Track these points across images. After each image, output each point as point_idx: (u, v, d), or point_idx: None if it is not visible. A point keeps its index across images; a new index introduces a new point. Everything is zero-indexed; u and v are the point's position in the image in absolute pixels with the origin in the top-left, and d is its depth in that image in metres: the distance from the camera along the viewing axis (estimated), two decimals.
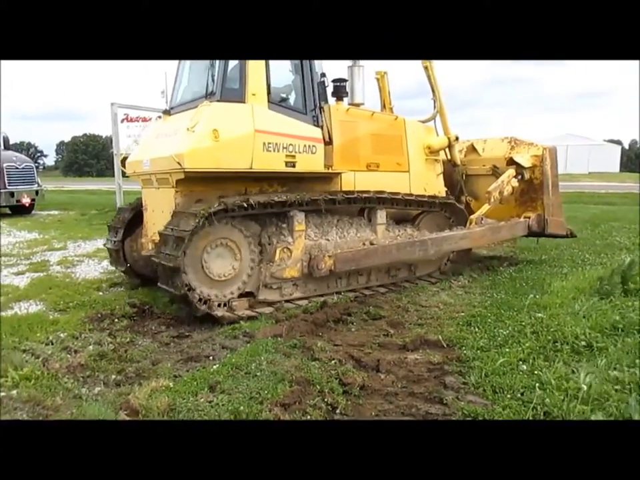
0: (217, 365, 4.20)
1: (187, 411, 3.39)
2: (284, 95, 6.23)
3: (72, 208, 18.82)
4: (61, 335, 4.99)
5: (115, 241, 6.84)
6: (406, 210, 7.25)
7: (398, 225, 7.28)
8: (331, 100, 6.95)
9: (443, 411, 3.46)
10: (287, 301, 5.91)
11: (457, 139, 7.88)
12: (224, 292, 5.58)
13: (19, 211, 16.57)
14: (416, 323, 5.33)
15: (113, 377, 4.15)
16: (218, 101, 5.62)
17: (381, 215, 6.80)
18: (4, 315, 5.66)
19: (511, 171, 7.80)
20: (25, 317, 5.50)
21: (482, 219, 7.47)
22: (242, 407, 3.39)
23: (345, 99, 7.13)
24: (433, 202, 7.35)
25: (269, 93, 5.86)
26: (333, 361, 4.17)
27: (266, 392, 3.61)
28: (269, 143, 5.78)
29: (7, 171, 15.73)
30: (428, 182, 7.68)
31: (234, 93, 5.73)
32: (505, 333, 4.72)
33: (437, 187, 7.78)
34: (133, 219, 6.85)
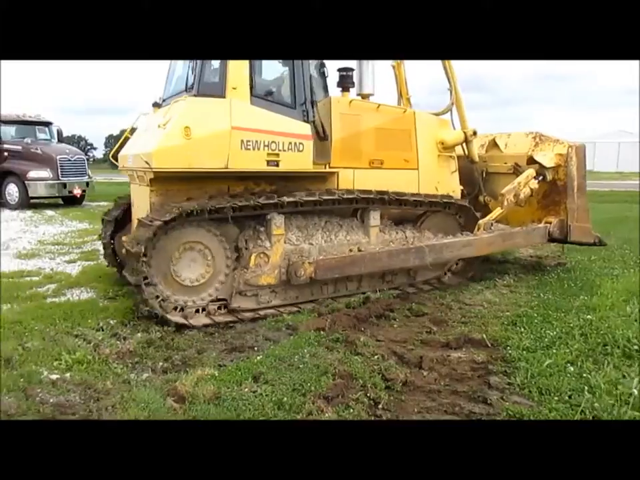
0: (261, 356, 4.26)
1: (231, 400, 3.47)
2: (271, 89, 5.73)
3: None
4: (111, 321, 5.15)
5: (104, 236, 6.73)
6: (407, 210, 6.63)
7: (397, 227, 6.69)
8: (336, 91, 6.61)
9: (487, 410, 3.42)
10: (264, 309, 5.54)
11: (474, 133, 7.13)
12: (192, 297, 5.32)
13: (71, 201, 17.16)
14: (459, 321, 5.27)
15: (160, 364, 4.27)
16: (195, 95, 5.31)
17: (374, 216, 6.22)
18: (57, 300, 5.90)
19: (530, 171, 7.05)
20: (77, 304, 5.72)
21: (492, 224, 6.73)
22: (285, 398, 3.44)
23: (353, 90, 6.72)
24: (433, 202, 6.64)
25: (252, 86, 5.44)
26: (375, 356, 4.17)
27: (309, 384, 3.65)
28: (248, 141, 5.36)
29: (60, 163, 16.29)
30: (440, 180, 7.02)
31: (213, 87, 5.36)
32: (552, 334, 4.62)
33: (450, 186, 7.11)
34: (125, 213, 6.60)
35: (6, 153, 15.86)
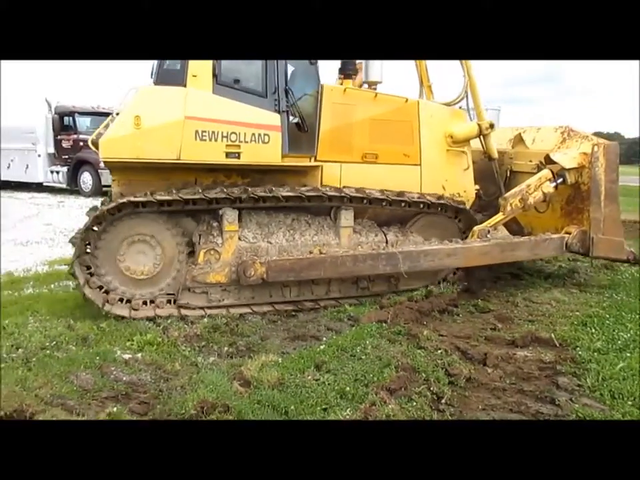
0: (323, 346, 4.31)
1: (294, 387, 3.53)
2: (239, 77, 5.35)
3: None
4: None
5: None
6: (396, 211, 5.95)
7: (379, 228, 5.98)
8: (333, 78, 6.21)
9: (555, 411, 3.33)
10: (215, 307, 5.27)
11: (491, 126, 6.26)
12: (141, 291, 5.18)
13: None
14: (526, 319, 5.12)
15: (226, 348, 4.41)
16: (155, 83, 5.18)
17: (346, 216, 5.63)
18: None
19: (546, 172, 6.06)
20: None
21: (488, 231, 5.82)
22: (348, 388, 3.47)
23: (358, 77, 6.32)
24: (419, 202, 5.86)
25: (217, 74, 5.18)
26: (438, 351, 4.12)
27: (371, 375, 3.65)
28: (204, 132, 5.12)
29: None
30: (449, 178, 6.22)
31: (173, 75, 5.13)
32: (625, 336, 4.42)
33: (460, 185, 6.27)
34: None
35: (82, 143, 16.62)
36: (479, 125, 6.22)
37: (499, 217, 6.01)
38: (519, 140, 6.96)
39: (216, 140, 5.17)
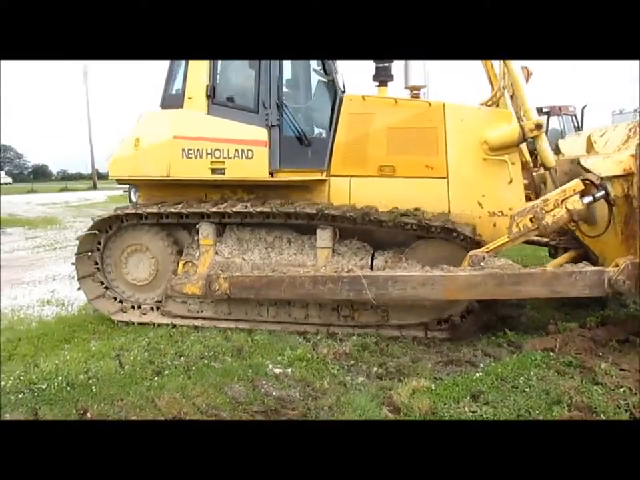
0: (480, 373, 3.95)
1: (448, 417, 3.26)
2: (233, 95, 5.53)
3: None
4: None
5: None
6: (393, 232, 5.09)
7: (370, 252, 5.23)
8: (371, 86, 5.65)
9: None
10: (194, 318, 5.39)
11: (537, 127, 4.93)
12: (139, 296, 5.69)
13: None
14: None
15: (375, 369, 4.24)
16: (161, 107, 5.66)
17: (322, 236, 5.14)
18: None
19: (574, 183, 4.56)
20: None
21: (483, 257, 4.60)
22: None
23: (393, 84, 5.71)
24: (402, 223, 4.91)
25: (210, 95, 5.44)
26: (621, 389, 3.54)
27: (537, 412, 3.25)
28: (190, 149, 5.39)
29: None
30: (486, 193, 5.09)
31: (175, 99, 5.55)
32: None
33: (503, 201, 5.06)
34: None
35: None
36: (521, 126, 4.97)
37: (502, 239, 4.73)
38: (590, 144, 5.26)
39: (201, 157, 5.40)
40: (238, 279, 4.98)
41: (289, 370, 4.18)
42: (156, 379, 4.01)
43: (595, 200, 4.53)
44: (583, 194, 4.51)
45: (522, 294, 4.48)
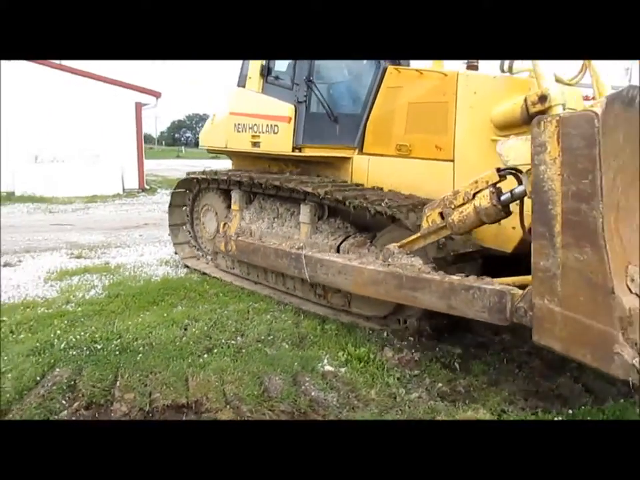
0: (560, 417, 3.16)
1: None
2: (278, 73, 5.87)
3: None
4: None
5: None
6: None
7: (352, 233, 4.75)
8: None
9: None
10: (230, 274, 6.07)
11: (541, 99, 3.51)
12: (210, 248, 6.47)
13: None
14: None
15: (440, 385, 3.63)
16: (238, 86, 6.28)
17: (304, 212, 4.97)
18: None
19: (487, 175, 3.26)
20: None
21: (393, 252, 3.84)
22: None
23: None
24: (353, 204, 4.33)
25: (264, 74, 5.88)
26: None
27: None
28: (239, 124, 6.07)
29: None
30: None
31: (243, 78, 6.15)
32: None
33: None
34: None
35: None
36: (525, 100, 3.65)
37: (414, 236, 3.86)
38: None
39: (245, 131, 6.00)
40: (239, 242, 5.55)
41: (342, 370, 3.78)
42: (205, 355, 3.90)
43: (514, 198, 3.19)
44: (500, 190, 3.24)
45: (418, 302, 3.62)
